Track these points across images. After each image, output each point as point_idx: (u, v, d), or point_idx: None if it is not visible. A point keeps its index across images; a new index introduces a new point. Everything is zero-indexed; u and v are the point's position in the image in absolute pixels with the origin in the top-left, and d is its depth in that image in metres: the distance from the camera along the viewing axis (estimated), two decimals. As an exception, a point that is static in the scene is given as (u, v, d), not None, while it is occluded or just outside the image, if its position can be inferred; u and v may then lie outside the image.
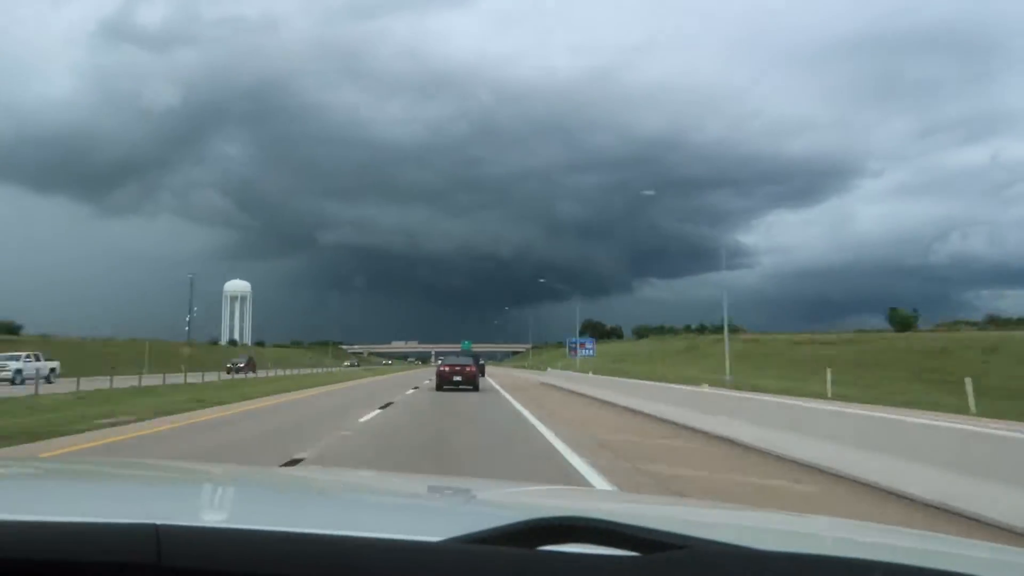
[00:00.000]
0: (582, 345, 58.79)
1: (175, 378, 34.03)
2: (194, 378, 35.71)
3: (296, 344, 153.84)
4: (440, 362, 31.47)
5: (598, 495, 4.03)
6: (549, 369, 50.07)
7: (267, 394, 24.00)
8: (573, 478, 7.69)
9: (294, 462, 8.33)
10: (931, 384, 30.73)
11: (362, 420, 14.34)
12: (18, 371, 31.61)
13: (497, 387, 31.11)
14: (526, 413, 16.67)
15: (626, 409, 17.86)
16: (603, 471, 8.06)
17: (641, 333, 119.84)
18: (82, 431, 11.65)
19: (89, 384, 24.35)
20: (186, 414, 15.27)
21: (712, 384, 28.43)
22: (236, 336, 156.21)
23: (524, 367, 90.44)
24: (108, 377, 27.84)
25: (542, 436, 11.84)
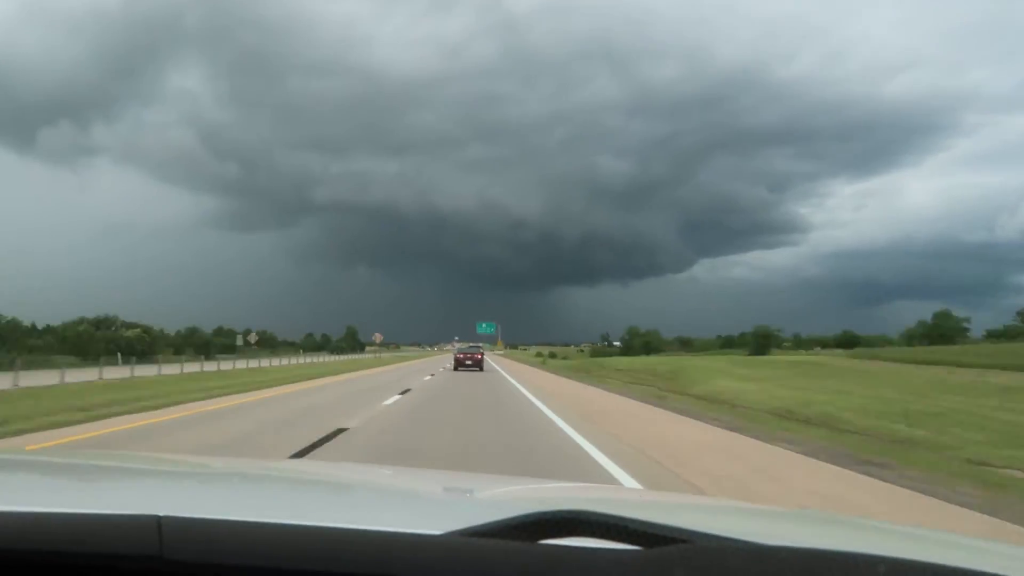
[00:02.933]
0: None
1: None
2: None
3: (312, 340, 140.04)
4: (457, 350, 46.62)
5: (601, 489, 4.07)
6: None
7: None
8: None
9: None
10: None
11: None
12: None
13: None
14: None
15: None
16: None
17: (687, 343, 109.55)
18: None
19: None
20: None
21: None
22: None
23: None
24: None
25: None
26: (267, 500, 1.46)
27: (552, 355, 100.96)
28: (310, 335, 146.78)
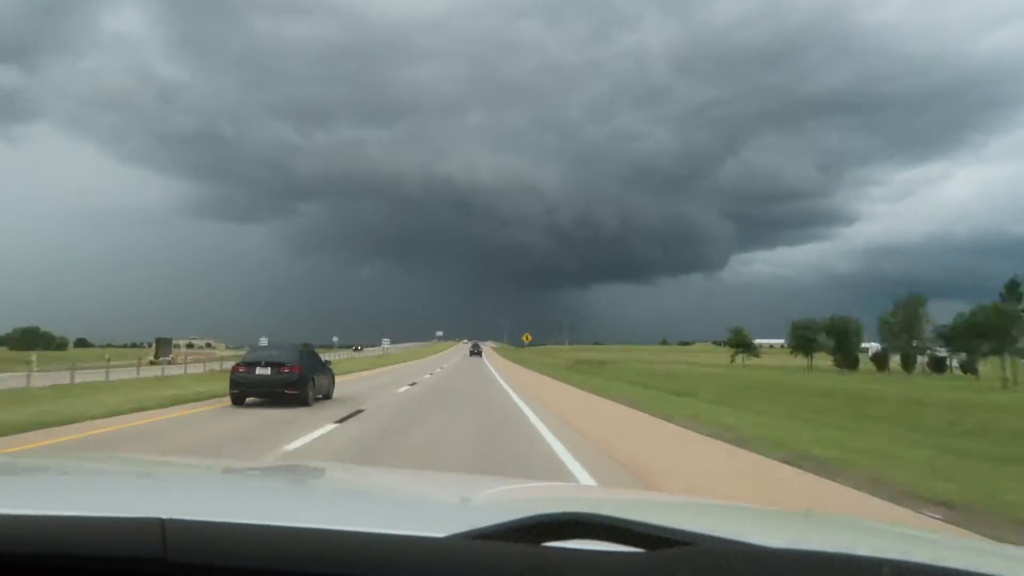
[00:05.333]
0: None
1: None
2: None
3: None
4: (467, 342, 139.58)
5: (603, 491, 4.03)
6: None
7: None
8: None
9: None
10: None
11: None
12: None
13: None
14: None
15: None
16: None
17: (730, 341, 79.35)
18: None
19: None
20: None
21: None
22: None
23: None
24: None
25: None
26: (270, 502, 1.47)
27: (601, 363, 53.63)
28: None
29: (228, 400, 15.80)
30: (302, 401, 15.38)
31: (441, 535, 0.89)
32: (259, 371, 15.46)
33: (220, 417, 13.39)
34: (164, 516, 0.87)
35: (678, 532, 0.86)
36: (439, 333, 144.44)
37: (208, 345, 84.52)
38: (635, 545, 0.83)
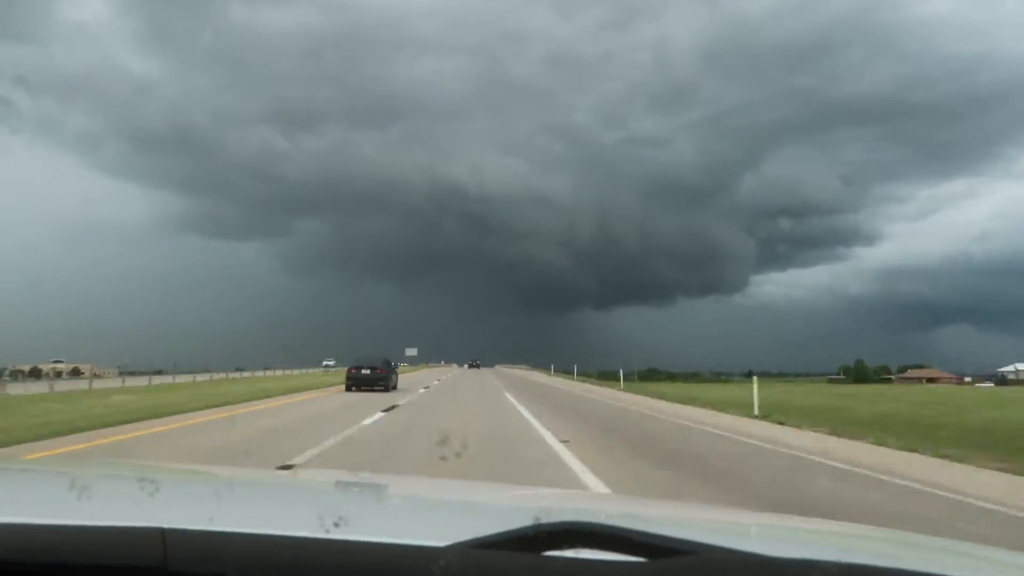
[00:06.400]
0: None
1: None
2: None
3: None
4: (470, 363, 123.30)
5: (605, 499, 4.04)
6: None
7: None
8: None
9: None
10: None
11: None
12: None
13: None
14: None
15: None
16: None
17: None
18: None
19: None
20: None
21: None
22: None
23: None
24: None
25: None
26: (270, 511, 1.47)
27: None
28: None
29: (342, 388, 28.43)
30: (386, 388, 27.97)
31: (442, 544, 0.88)
32: (363, 371, 28.12)
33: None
34: (165, 525, 0.86)
35: (679, 541, 0.86)
36: (411, 351, 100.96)
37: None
38: (636, 554, 0.83)
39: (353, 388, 27.55)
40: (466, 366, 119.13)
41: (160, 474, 2.06)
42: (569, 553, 0.84)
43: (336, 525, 0.99)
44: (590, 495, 5.04)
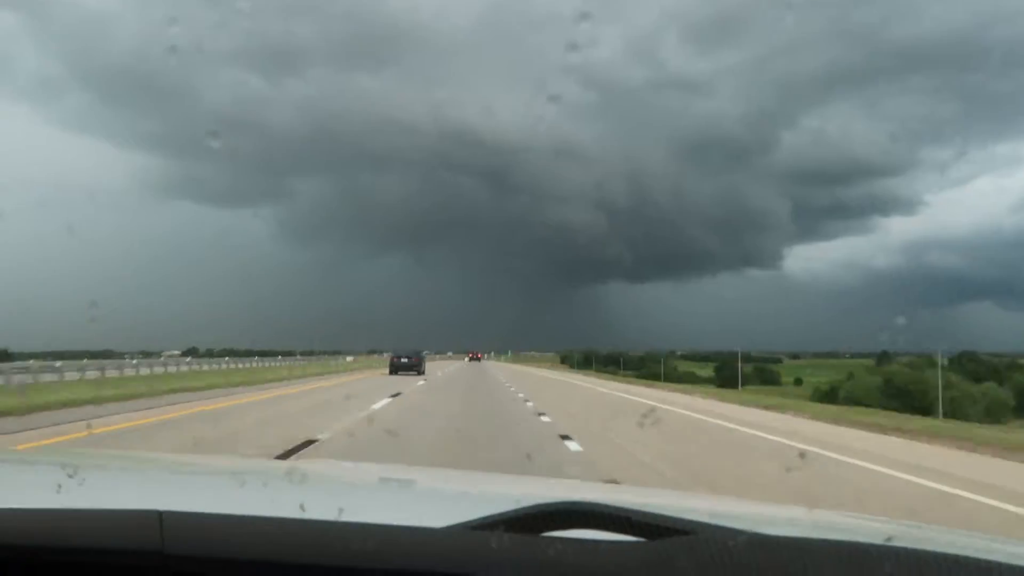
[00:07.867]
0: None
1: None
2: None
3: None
4: (471, 354, 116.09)
5: (602, 487, 3.86)
6: None
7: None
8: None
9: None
10: None
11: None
12: None
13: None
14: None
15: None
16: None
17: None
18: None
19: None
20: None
21: None
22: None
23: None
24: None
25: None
26: (268, 495, 1.48)
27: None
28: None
29: (386, 371, 41.44)
30: (419, 373, 40.35)
31: (440, 525, 0.90)
32: (403, 360, 41.66)
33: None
34: (162, 508, 0.86)
35: (678, 521, 0.87)
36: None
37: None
38: (635, 534, 0.84)
39: (395, 373, 39.46)
40: (467, 359, 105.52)
41: (157, 461, 2.21)
42: (569, 533, 0.84)
43: (333, 508, 1.00)
44: (594, 485, 4.88)
